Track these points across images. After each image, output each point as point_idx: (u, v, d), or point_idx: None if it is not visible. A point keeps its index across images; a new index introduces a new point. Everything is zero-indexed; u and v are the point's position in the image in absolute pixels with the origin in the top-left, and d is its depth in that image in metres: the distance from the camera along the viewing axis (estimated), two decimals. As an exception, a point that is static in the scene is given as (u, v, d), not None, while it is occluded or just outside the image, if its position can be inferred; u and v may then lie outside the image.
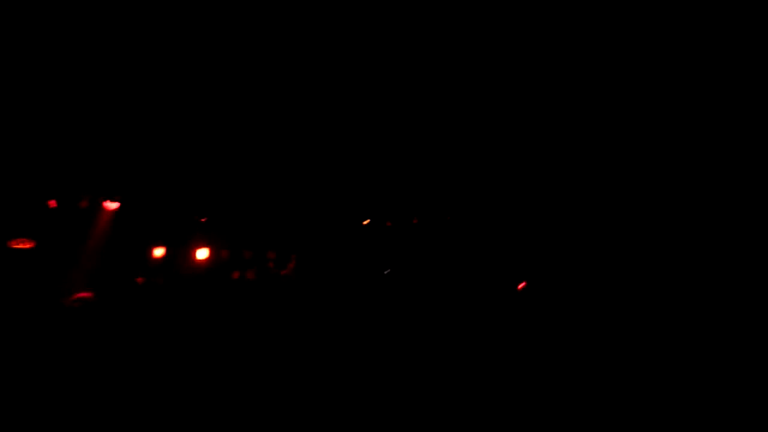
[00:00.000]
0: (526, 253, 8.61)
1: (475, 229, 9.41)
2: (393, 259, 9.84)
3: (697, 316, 6.21)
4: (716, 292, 6.27)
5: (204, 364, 5.57)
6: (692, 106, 6.28)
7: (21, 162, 6.59)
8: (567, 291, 7.67)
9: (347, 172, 8.76)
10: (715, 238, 6.61)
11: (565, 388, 5.27)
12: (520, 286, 8.04)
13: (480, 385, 5.38)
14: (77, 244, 7.33)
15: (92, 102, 6.22)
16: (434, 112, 7.11)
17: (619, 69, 6.02)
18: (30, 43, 5.27)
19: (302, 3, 5.26)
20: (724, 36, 5.35)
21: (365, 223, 10.22)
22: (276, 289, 8.68)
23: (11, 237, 6.82)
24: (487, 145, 7.77)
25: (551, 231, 8.38)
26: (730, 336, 5.73)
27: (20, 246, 6.87)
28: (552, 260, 8.25)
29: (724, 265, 6.42)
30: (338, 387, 5.20)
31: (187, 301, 7.80)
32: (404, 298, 8.65)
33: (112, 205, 7.23)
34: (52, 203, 7.10)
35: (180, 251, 8.96)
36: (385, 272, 9.58)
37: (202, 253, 8.89)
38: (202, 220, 9.40)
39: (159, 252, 8.72)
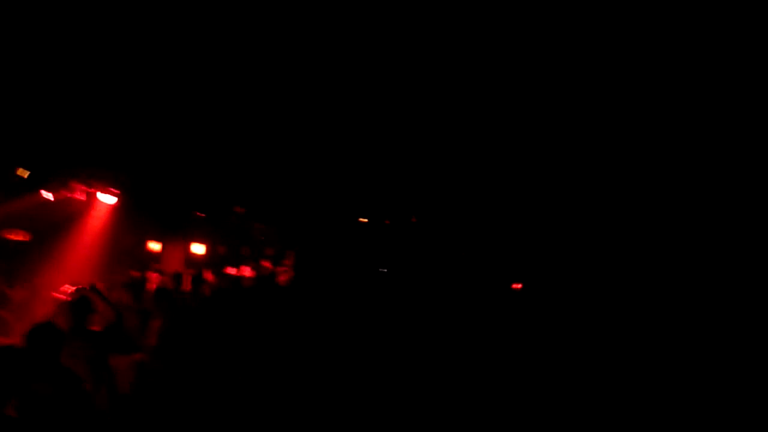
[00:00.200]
0: (525, 252, 8.59)
1: (474, 229, 9.39)
2: (391, 257, 9.81)
3: (697, 316, 6.17)
4: (716, 292, 6.23)
5: (204, 364, 5.53)
6: (692, 106, 6.26)
7: (21, 161, 6.62)
8: (566, 291, 7.65)
9: (347, 172, 8.76)
10: (715, 238, 6.57)
11: (566, 388, 5.24)
12: (516, 286, 8.02)
13: (480, 385, 5.34)
14: (75, 240, 7.34)
15: (92, 102, 6.23)
16: (434, 112, 7.11)
17: (620, 69, 6.00)
18: (30, 42, 5.28)
19: (302, 3, 5.28)
20: (723, 36, 5.33)
21: (363, 221, 10.21)
22: (273, 286, 8.64)
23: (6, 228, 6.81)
24: (488, 145, 7.76)
25: (551, 231, 8.35)
26: (731, 336, 5.69)
27: (14, 237, 6.85)
28: (551, 260, 8.23)
29: (724, 265, 6.37)
30: (338, 387, 5.16)
31: (187, 301, 7.77)
32: (404, 298, 8.62)
33: (109, 200, 7.21)
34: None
35: (177, 247, 8.96)
36: (383, 270, 9.55)
37: (199, 248, 8.87)
38: (201, 215, 9.41)
39: (155, 246, 8.74)
